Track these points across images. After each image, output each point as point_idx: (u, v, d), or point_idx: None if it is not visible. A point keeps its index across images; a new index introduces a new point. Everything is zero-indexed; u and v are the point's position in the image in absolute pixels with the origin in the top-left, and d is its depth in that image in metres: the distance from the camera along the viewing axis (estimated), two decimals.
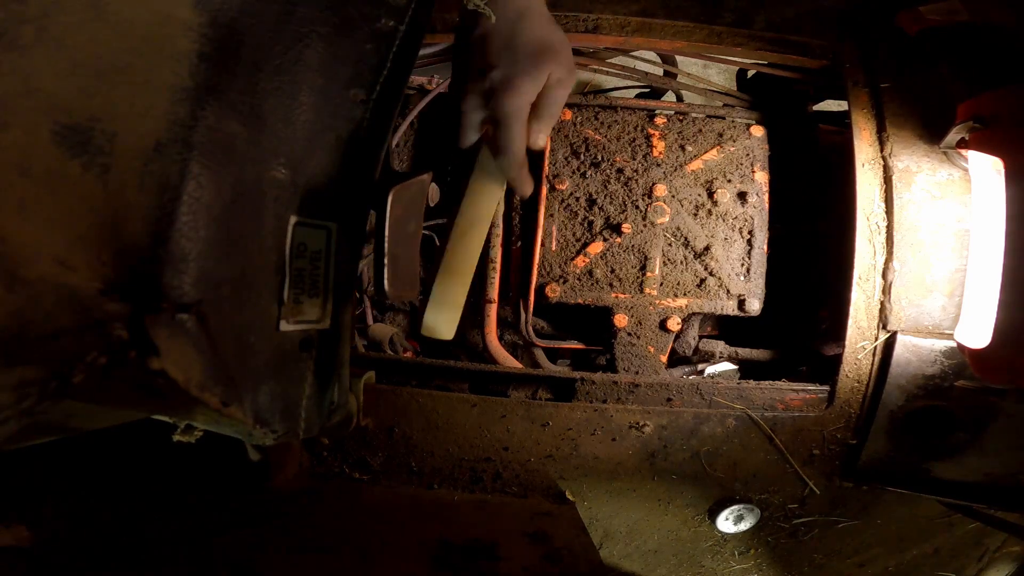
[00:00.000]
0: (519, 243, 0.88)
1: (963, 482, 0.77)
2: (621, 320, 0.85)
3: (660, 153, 0.87)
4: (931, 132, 0.76)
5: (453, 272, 0.70)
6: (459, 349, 0.91)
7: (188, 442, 0.51)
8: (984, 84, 0.66)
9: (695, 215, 0.85)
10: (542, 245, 0.85)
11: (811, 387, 0.77)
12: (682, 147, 0.87)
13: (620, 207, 0.85)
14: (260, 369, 0.44)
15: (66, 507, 0.72)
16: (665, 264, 0.84)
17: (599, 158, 0.87)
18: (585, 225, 0.86)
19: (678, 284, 0.84)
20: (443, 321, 0.70)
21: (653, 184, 0.86)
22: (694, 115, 0.90)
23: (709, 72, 1.70)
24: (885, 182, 0.76)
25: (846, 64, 0.82)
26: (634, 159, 0.87)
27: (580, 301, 0.85)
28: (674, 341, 0.87)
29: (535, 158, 0.87)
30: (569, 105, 0.90)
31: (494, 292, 0.86)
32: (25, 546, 0.63)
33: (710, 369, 0.88)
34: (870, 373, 0.75)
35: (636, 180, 0.86)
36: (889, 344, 0.74)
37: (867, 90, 0.80)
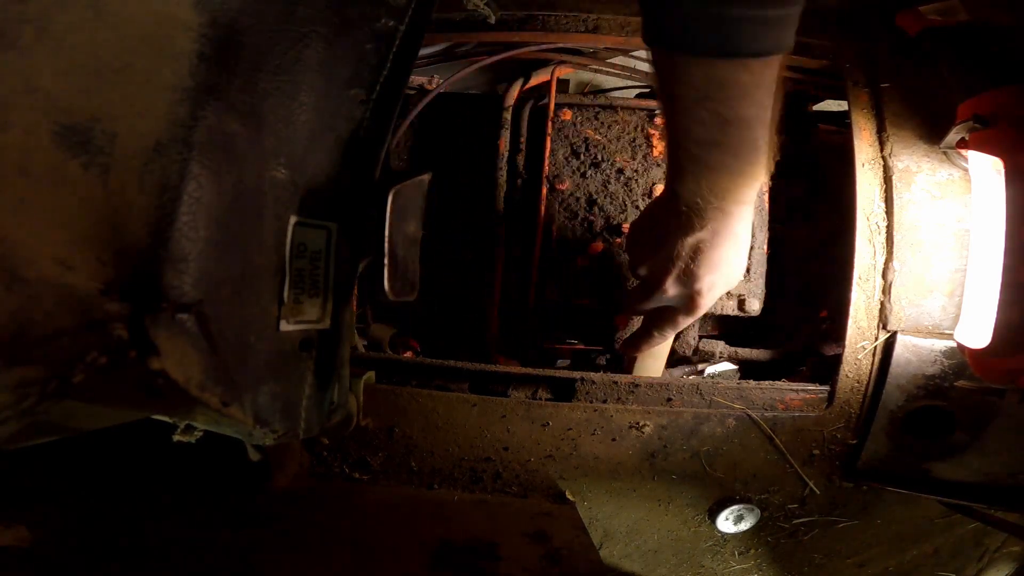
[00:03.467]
0: (519, 243, 0.88)
1: (963, 482, 0.77)
2: (621, 320, 0.85)
3: (660, 153, 0.87)
4: (931, 132, 0.76)
5: None
6: (459, 349, 0.91)
7: (188, 442, 0.51)
8: (984, 84, 0.66)
9: None
10: (542, 245, 0.85)
11: (811, 387, 0.77)
12: None
13: (620, 207, 0.85)
14: (260, 369, 0.44)
15: (66, 507, 0.72)
16: None
17: (599, 158, 0.86)
18: (585, 225, 0.86)
19: None
20: None
21: (653, 184, 0.86)
22: None
23: None
24: (885, 182, 0.76)
25: (846, 64, 0.82)
26: (634, 159, 0.87)
27: (580, 301, 0.85)
28: (674, 341, 0.87)
29: (537, 157, 0.88)
30: (569, 105, 0.90)
31: (494, 292, 0.86)
32: (25, 546, 0.63)
33: (710, 369, 0.88)
34: (870, 373, 0.75)
35: (636, 180, 0.86)
36: (889, 344, 0.74)
37: (867, 90, 0.80)
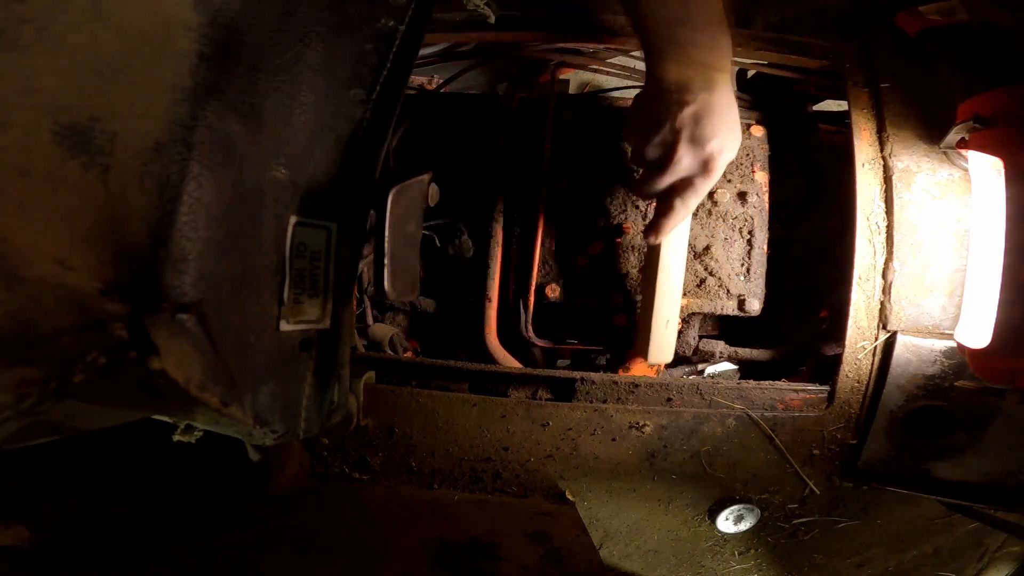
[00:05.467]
0: (519, 243, 0.88)
1: (963, 482, 0.77)
2: (621, 320, 0.85)
3: None
4: (931, 132, 0.76)
5: (663, 311, 0.79)
6: (459, 349, 0.91)
7: (188, 442, 0.51)
8: (984, 84, 0.66)
9: (695, 215, 0.85)
10: (542, 245, 0.85)
11: (811, 387, 0.77)
12: None
13: (620, 207, 0.85)
14: (260, 369, 0.44)
15: (66, 507, 0.72)
16: None
17: (599, 158, 0.86)
18: (585, 225, 0.86)
19: None
20: (662, 354, 0.80)
21: None
22: None
23: None
24: (885, 182, 0.76)
25: (846, 64, 0.82)
26: None
27: (580, 301, 0.85)
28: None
29: (536, 158, 0.88)
30: (569, 105, 0.90)
31: (494, 292, 0.86)
32: (25, 546, 0.63)
33: (710, 369, 0.88)
34: (870, 373, 0.75)
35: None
36: (889, 344, 0.74)
37: (867, 90, 0.80)
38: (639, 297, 0.83)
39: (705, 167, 0.67)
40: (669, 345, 0.80)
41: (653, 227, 0.74)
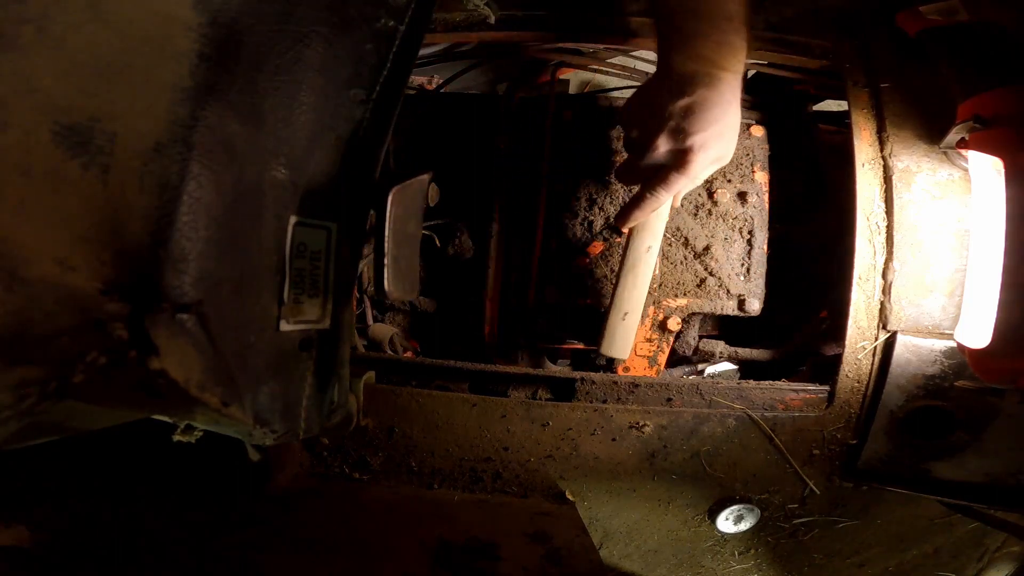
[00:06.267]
0: (519, 243, 0.88)
1: (963, 482, 0.77)
2: None
3: None
4: (931, 132, 0.76)
5: (622, 304, 0.78)
6: (459, 349, 0.91)
7: (188, 442, 0.51)
8: (984, 84, 0.66)
9: (695, 215, 0.85)
10: (542, 245, 0.85)
11: (811, 387, 0.77)
12: None
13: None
14: (260, 369, 0.44)
15: (66, 507, 0.72)
16: (665, 264, 0.84)
17: (599, 158, 0.86)
18: (585, 225, 0.86)
19: (678, 284, 0.84)
20: (615, 347, 0.79)
21: None
22: None
23: None
24: (885, 182, 0.76)
25: (846, 64, 0.82)
26: None
27: (580, 301, 0.85)
28: (674, 341, 0.87)
29: (536, 158, 0.88)
30: (569, 105, 0.90)
31: (494, 292, 0.86)
32: (25, 546, 0.63)
33: (710, 369, 0.88)
34: (870, 373, 0.75)
35: None
36: (889, 344, 0.74)
37: (867, 90, 0.80)
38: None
39: (681, 161, 0.67)
40: (624, 339, 0.78)
41: (620, 213, 0.75)
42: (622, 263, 0.78)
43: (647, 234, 0.77)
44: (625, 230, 0.77)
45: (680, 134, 0.65)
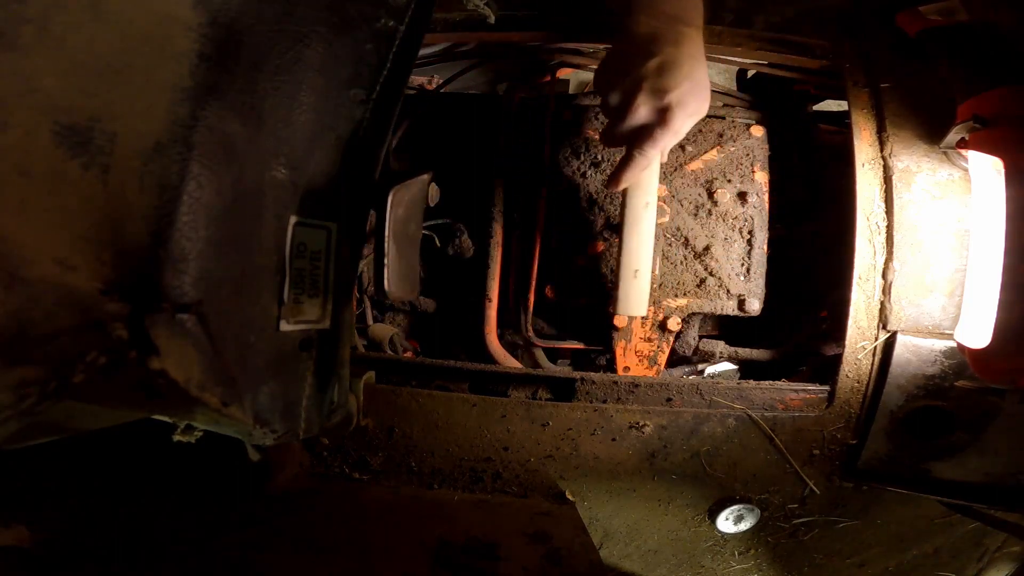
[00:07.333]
0: (519, 243, 0.88)
1: (963, 482, 0.77)
2: (621, 320, 0.85)
3: None
4: (931, 132, 0.76)
5: (631, 262, 0.78)
6: (459, 349, 0.91)
7: (188, 442, 0.51)
8: (984, 84, 0.66)
9: (695, 215, 0.85)
10: (542, 245, 0.85)
11: (811, 387, 0.77)
12: (682, 147, 0.87)
13: (620, 207, 0.85)
14: (260, 369, 0.44)
15: (66, 507, 0.72)
16: (665, 264, 0.84)
17: (599, 158, 0.86)
18: (585, 225, 0.86)
19: (678, 284, 0.84)
20: (630, 305, 0.78)
21: None
22: None
23: (709, 72, 1.69)
24: (885, 182, 0.76)
25: (846, 64, 0.82)
26: None
27: (580, 301, 0.85)
28: (674, 341, 0.87)
29: (536, 158, 0.88)
30: (569, 105, 0.90)
31: (494, 292, 0.86)
32: (25, 546, 0.63)
33: (710, 369, 0.88)
34: (870, 373, 0.75)
35: None
36: (889, 344, 0.74)
37: (867, 90, 0.80)
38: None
39: (663, 117, 0.68)
40: (639, 296, 0.78)
41: (612, 176, 0.75)
42: (622, 223, 0.78)
43: (641, 191, 0.77)
44: (619, 190, 0.77)
45: (658, 93, 0.67)
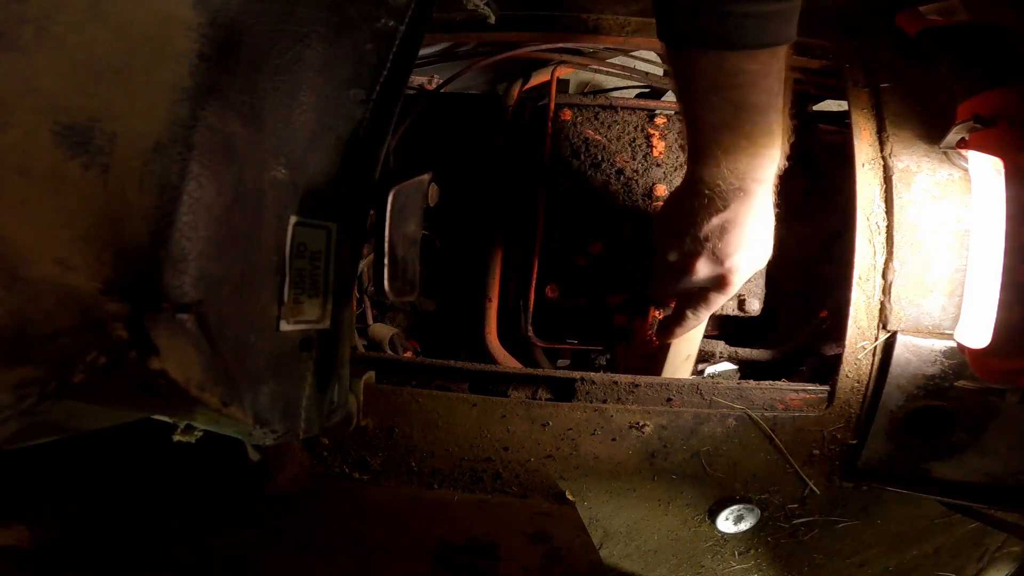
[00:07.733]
0: (519, 243, 0.88)
1: (963, 482, 0.77)
2: (621, 320, 0.85)
3: (660, 153, 0.87)
4: (931, 132, 0.76)
5: None
6: (459, 349, 0.91)
7: (188, 442, 0.51)
8: (984, 84, 0.66)
9: None
10: (542, 245, 0.85)
11: (811, 387, 0.77)
12: (682, 147, 0.87)
13: (620, 207, 0.85)
14: (260, 369, 0.44)
15: (66, 507, 0.72)
16: None
17: (599, 158, 0.87)
18: (585, 225, 0.86)
19: None
20: None
21: (653, 184, 0.86)
22: None
23: None
24: (885, 182, 0.76)
25: (846, 64, 0.82)
26: (634, 159, 0.87)
27: (580, 301, 0.85)
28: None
29: (536, 157, 0.88)
30: (569, 105, 0.90)
31: (494, 292, 0.86)
32: (25, 546, 0.63)
33: (710, 369, 0.88)
34: (870, 373, 0.75)
35: (636, 180, 0.86)
36: (889, 344, 0.74)
37: (867, 90, 0.80)
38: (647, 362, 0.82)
39: (721, 282, 0.66)
40: None
41: (663, 329, 0.74)
42: (659, 368, 0.79)
43: (685, 345, 0.78)
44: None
45: (718, 256, 0.64)
